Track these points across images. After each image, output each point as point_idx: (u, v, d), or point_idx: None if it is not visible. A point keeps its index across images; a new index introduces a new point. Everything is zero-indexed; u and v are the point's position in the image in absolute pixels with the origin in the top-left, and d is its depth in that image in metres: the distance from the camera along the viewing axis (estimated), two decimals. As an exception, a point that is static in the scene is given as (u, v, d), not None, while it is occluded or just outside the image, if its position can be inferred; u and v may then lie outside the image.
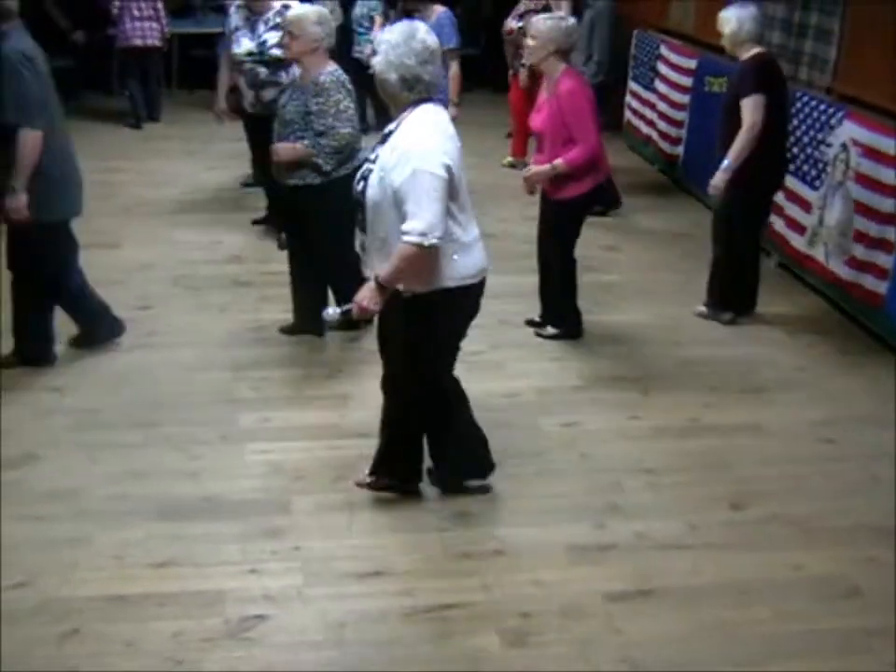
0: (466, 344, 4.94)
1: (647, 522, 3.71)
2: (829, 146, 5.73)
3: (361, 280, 3.53)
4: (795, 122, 6.09)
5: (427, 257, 3.28)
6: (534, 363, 4.93)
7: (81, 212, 4.59)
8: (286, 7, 5.67)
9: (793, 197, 6.09)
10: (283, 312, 5.36)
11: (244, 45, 5.90)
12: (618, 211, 7.20)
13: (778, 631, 3.20)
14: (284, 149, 4.71)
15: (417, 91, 3.30)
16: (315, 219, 4.78)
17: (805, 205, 5.96)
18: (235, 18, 6.00)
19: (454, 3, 9.23)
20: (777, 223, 6.27)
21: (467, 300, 3.52)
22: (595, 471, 4.03)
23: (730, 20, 5.14)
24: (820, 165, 5.82)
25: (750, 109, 4.99)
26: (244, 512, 3.67)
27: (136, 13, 9.00)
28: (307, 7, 4.91)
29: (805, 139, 5.99)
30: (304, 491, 3.82)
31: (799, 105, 6.07)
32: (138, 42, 9.05)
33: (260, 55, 5.83)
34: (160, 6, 9.14)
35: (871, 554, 3.58)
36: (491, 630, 3.14)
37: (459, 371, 4.62)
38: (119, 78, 9.88)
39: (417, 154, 3.24)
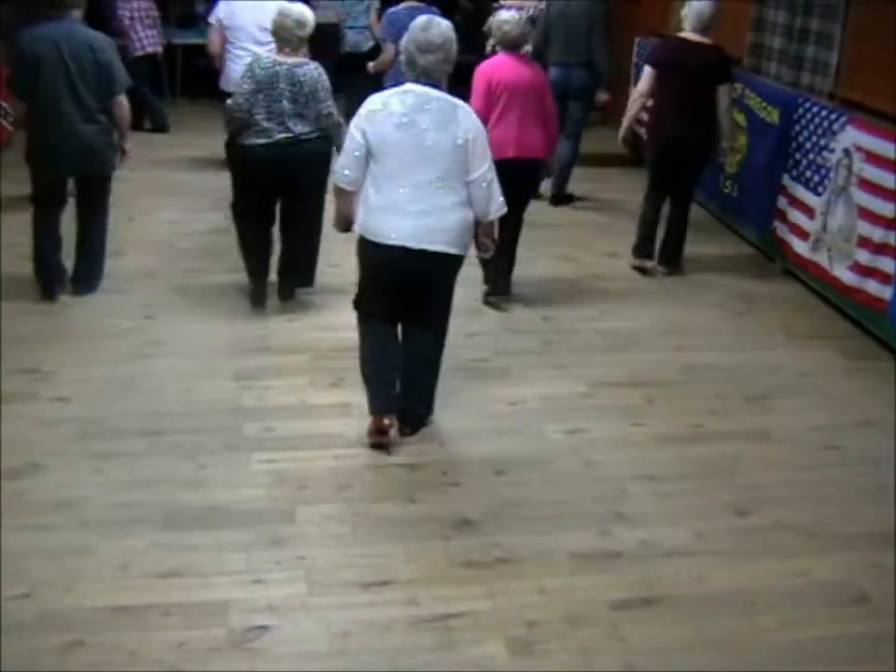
0: (471, 351, 4.98)
1: (652, 529, 3.70)
2: (831, 151, 5.73)
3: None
4: (797, 128, 6.10)
5: (341, 195, 4.10)
6: (538, 370, 4.92)
7: (64, 176, 5.37)
8: None
9: (796, 202, 6.09)
10: (286, 321, 5.38)
11: None
12: (623, 218, 7.22)
13: (785, 639, 3.19)
14: None
15: (414, 72, 3.92)
16: None
17: (809, 211, 5.95)
18: None
19: (452, 11, 9.28)
20: (781, 228, 6.27)
21: (372, 254, 4.03)
22: (599, 479, 4.03)
23: (685, 5, 5.94)
24: (823, 171, 5.81)
25: (641, 78, 6.01)
26: (248, 522, 3.66)
27: (148, 21, 9.16)
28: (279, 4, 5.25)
29: (808, 144, 5.99)
30: (309, 500, 3.82)
31: (801, 110, 6.08)
32: (150, 49, 9.19)
33: None
34: (156, 13, 9.33)
35: (878, 560, 3.56)
36: (496, 638, 3.13)
37: (463, 377, 4.66)
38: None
39: (357, 114, 3.99)
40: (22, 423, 4.25)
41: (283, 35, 5.08)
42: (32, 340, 5.02)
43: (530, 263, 6.27)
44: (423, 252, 3.92)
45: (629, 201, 7.30)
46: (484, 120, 5.02)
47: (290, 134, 5.08)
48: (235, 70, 6.43)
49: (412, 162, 3.87)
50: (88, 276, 5.56)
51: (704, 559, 3.55)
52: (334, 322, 5.35)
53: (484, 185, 3.96)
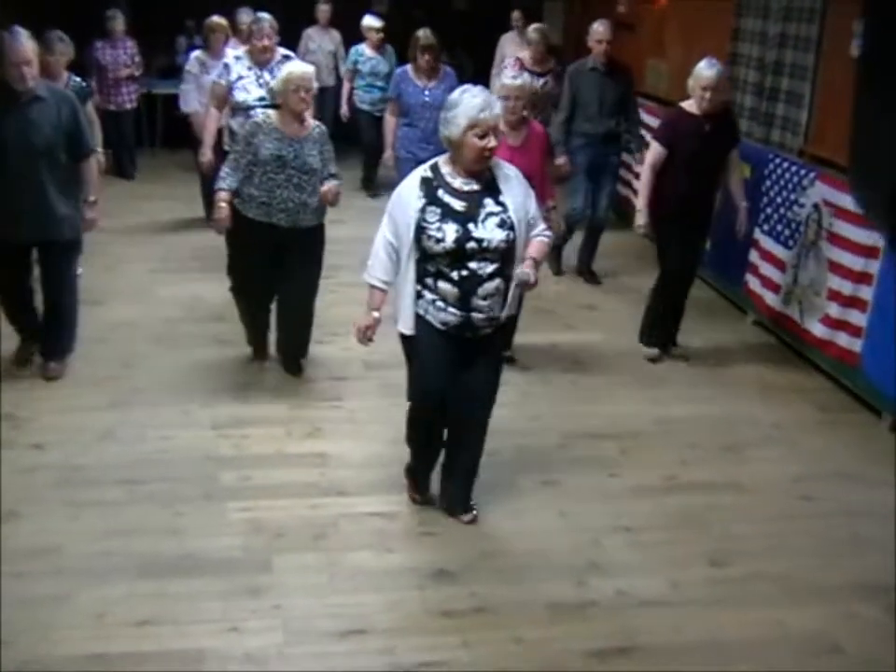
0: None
1: (627, 579, 3.72)
2: (801, 206, 5.87)
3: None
4: (768, 183, 6.25)
5: None
6: (513, 422, 4.94)
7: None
8: (286, 57, 6.19)
9: (768, 256, 6.21)
10: (264, 371, 5.39)
11: (253, 92, 6.24)
12: (602, 271, 7.32)
13: (759, 688, 3.21)
14: None
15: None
16: None
17: (779, 264, 6.07)
18: (237, 69, 6.34)
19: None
20: (753, 282, 6.39)
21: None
22: (574, 529, 4.05)
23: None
24: (793, 225, 5.95)
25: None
26: (225, 570, 3.65)
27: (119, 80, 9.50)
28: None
29: (779, 199, 6.13)
30: (285, 549, 3.81)
31: (771, 166, 6.23)
32: (112, 108, 9.50)
33: (272, 99, 6.11)
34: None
35: (853, 611, 3.59)
36: (472, 689, 3.14)
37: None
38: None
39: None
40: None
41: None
42: (8, 387, 5.01)
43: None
44: None
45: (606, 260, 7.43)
46: None
47: None
48: None
49: None
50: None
51: (679, 609, 3.57)
52: (310, 373, 5.38)
53: None
